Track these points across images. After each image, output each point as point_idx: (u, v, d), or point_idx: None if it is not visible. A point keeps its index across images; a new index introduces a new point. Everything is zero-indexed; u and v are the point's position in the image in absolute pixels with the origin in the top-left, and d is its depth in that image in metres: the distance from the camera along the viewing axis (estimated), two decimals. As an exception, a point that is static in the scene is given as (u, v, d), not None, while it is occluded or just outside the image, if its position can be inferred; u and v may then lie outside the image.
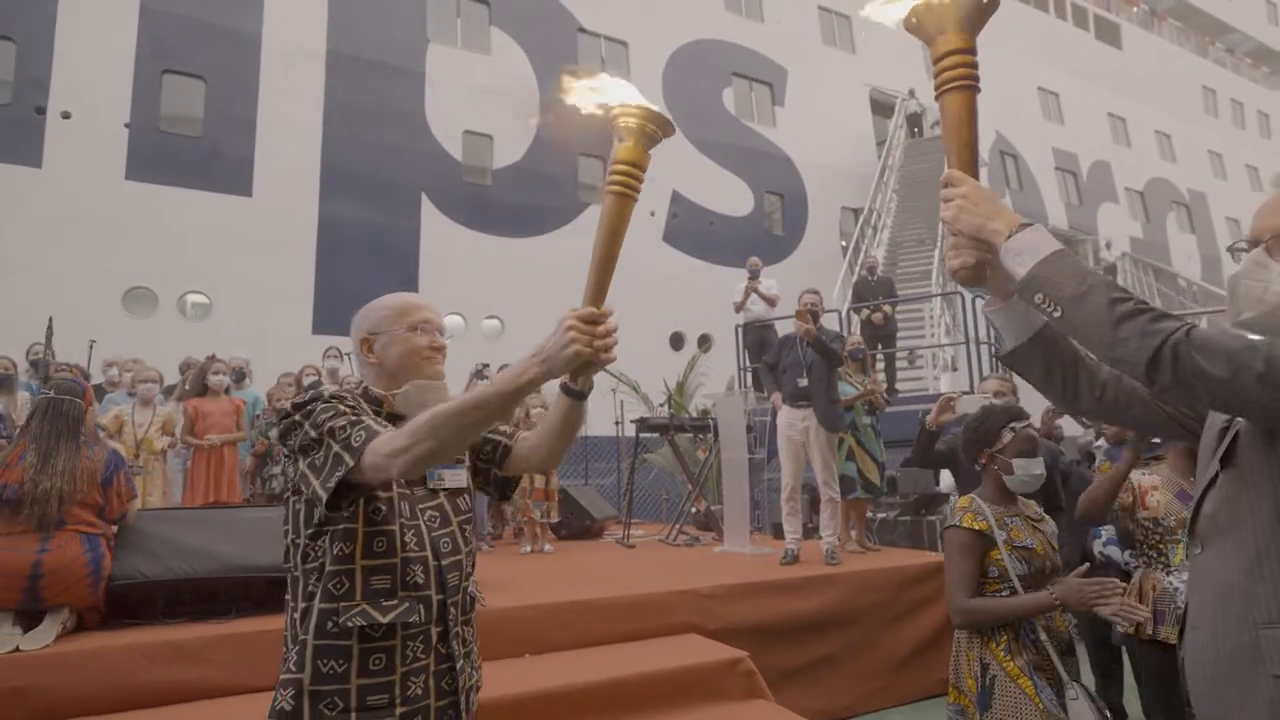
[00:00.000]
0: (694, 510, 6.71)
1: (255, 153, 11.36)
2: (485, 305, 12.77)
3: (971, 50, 1.18)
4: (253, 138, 11.39)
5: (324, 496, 1.30)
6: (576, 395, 1.45)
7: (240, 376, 6.00)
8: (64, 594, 2.93)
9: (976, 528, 2.27)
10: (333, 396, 1.43)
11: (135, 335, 9.28)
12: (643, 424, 6.42)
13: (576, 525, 6.30)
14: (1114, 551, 3.21)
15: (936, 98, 1.19)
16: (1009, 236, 1.15)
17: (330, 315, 11.33)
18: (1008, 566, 2.19)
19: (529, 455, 1.62)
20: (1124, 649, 3.69)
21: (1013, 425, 2.40)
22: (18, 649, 2.77)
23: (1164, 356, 1.04)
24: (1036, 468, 2.32)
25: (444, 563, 1.48)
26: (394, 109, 12.41)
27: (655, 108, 1.34)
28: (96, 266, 9.90)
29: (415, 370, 1.54)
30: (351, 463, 1.30)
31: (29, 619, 2.88)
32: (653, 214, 14.22)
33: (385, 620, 1.37)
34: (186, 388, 5.29)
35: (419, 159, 12.53)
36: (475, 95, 13.07)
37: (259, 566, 3.29)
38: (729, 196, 15.03)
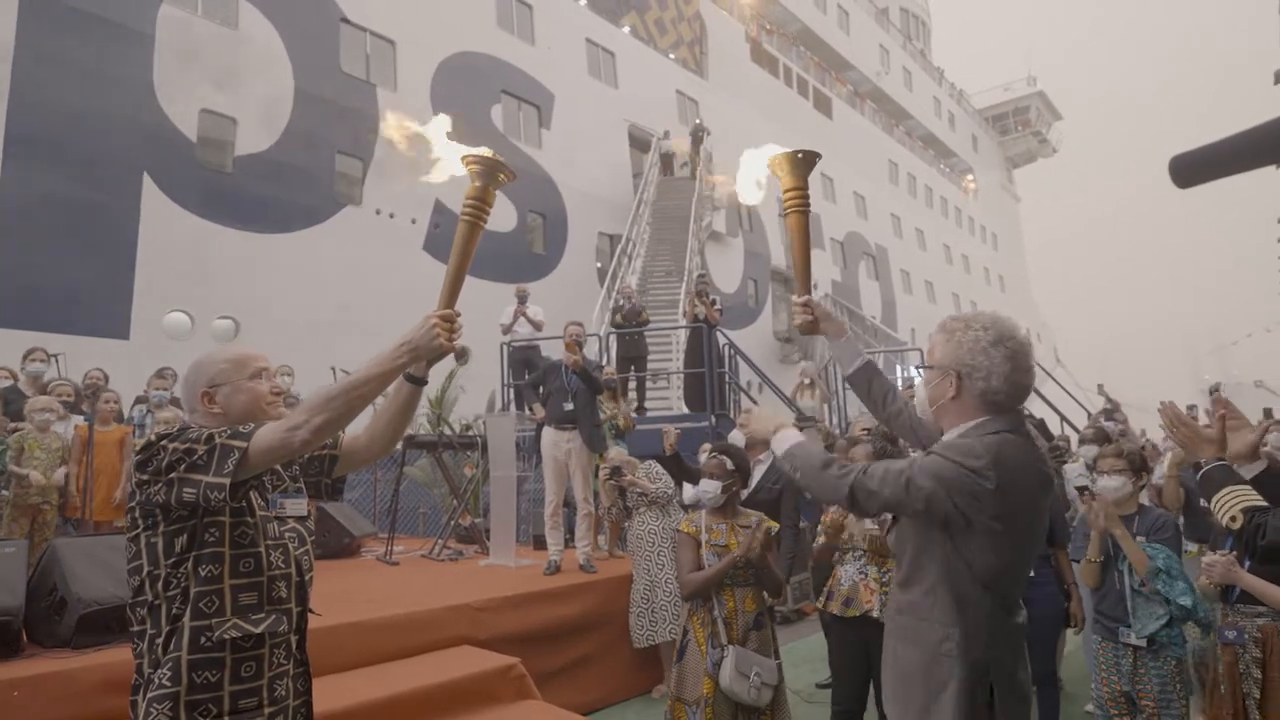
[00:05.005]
0: (455, 524, 6.83)
1: (-90, 101, 9.21)
2: (218, 304, 11.56)
3: (802, 187, 1.90)
4: (-93, 82, 9.23)
5: (225, 484, 1.42)
6: (419, 382, 1.71)
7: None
8: None
9: (688, 531, 3.10)
10: (201, 428, 1.55)
11: None
12: (410, 441, 6.43)
13: (334, 544, 6.11)
14: None
15: (782, 215, 1.93)
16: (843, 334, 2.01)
17: (13, 305, 9.51)
18: (704, 559, 3.02)
19: (369, 447, 1.81)
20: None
21: (711, 455, 3.26)
22: None
23: (853, 490, 1.68)
24: (708, 487, 3.14)
25: (305, 577, 1.68)
26: (112, 73, 10.77)
27: (502, 158, 1.70)
28: None
29: (261, 415, 1.69)
30: (245, 445, 1.44)
31: None
32: (414, 222, 13.93)
33: (258, 631, 1.54)
34: None
35: (142, 134, 10.98)
36: (217, 72, 11.79)
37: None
38: (493, 212, 15.13)
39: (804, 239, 1.95)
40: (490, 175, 1.68)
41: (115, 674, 2.84)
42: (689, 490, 4.89)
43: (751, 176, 1.99)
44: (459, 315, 1.62)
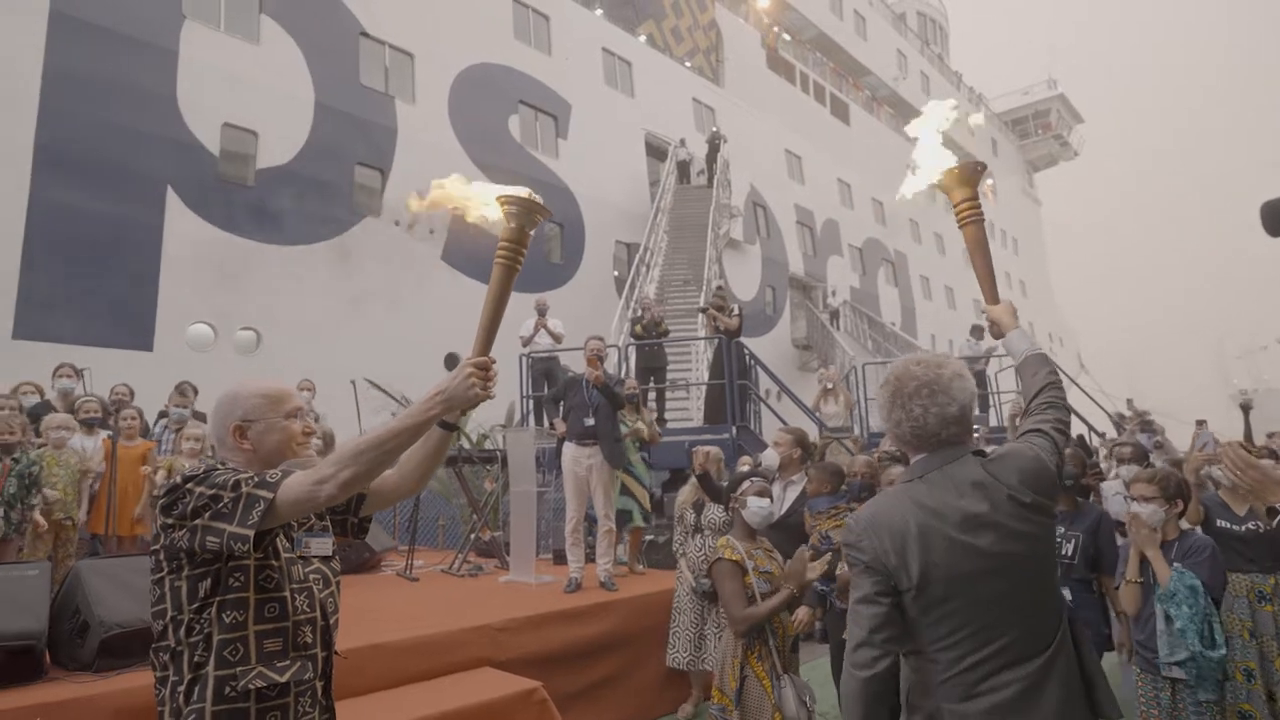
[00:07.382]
0: (474, 537, 6.81)
1: (-57, 120, 9.38)
2: (240, 316, 11.68)
3: (975, 198, 1.89)
4: (-61, 102, 9.41)
5: (249, 535, 1.39)
6: (451, 428, 1.67)
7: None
8: None
9: (733, 559, 2.95)
10: (230, 469, 1.53)
11: None
12: (430, 456, 6.40)
13: (354, 559, 6.09)
14: None
15: (960, 227, 1.91)
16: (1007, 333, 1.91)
17: (39, 318, 9.65)
18: (755, 587, 2.89)
19: (397, 487, 1.77)
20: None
21: (752, 478, 3.19)
22: None
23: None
24: (762, 504, 3.07)
25: (330, 621, 1.64)
26: (138, 89, 10.93)
27: (538, 198, 1.65)
28: None
29: (290, 455, 1.66)
30: (271, 496, 1.41)
31: None
32: (432, 232, 13.99)
33: (283, 680, 1.50)
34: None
35: (166, 148, 11.13)
36: (239, 86, 11.95)
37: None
38: (511, 220, 15.18)
39: (985, 248, 1.92)
40: (526, 216, 1.63)
41: (136, 700, 2.83)
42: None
43: (924, 178, 1.97)
44: (494, 362, 1.58)
